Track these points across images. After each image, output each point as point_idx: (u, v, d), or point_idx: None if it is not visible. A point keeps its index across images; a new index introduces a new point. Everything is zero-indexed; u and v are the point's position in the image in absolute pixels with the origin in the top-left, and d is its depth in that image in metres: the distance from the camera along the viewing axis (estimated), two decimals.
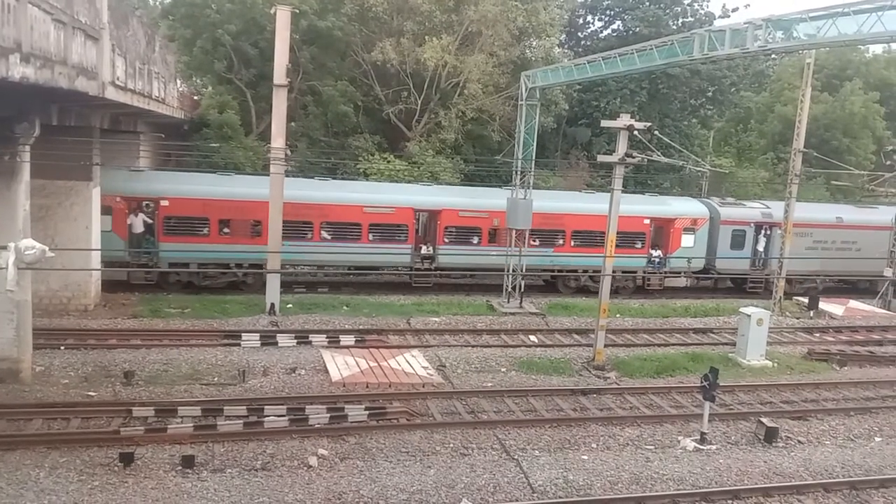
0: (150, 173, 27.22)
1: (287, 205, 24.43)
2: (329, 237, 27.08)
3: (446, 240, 28.28)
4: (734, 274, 32.47)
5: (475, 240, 28.58)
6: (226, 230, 25.95)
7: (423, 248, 28.58)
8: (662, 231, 30.80)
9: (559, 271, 29.96)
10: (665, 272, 31.02)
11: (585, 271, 29.96)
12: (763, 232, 32.00)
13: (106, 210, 24.36)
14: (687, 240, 30.77)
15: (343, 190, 28.45)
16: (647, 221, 30.08)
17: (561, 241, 29.41)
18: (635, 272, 30.84)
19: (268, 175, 24.16)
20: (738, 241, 31.41)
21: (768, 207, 32.44)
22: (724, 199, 33.43)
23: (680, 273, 31.26)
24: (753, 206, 32.54)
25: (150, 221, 25.78)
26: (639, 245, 30.40)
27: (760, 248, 31.98)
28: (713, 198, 33.77)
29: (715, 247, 30.90)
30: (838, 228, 32.46)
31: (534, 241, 28.93)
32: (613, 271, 29.03)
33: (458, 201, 28.65)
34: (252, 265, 26.22)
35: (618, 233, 28.71)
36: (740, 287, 31.96)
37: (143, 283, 25.79)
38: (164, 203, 25.51)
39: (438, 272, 28.21)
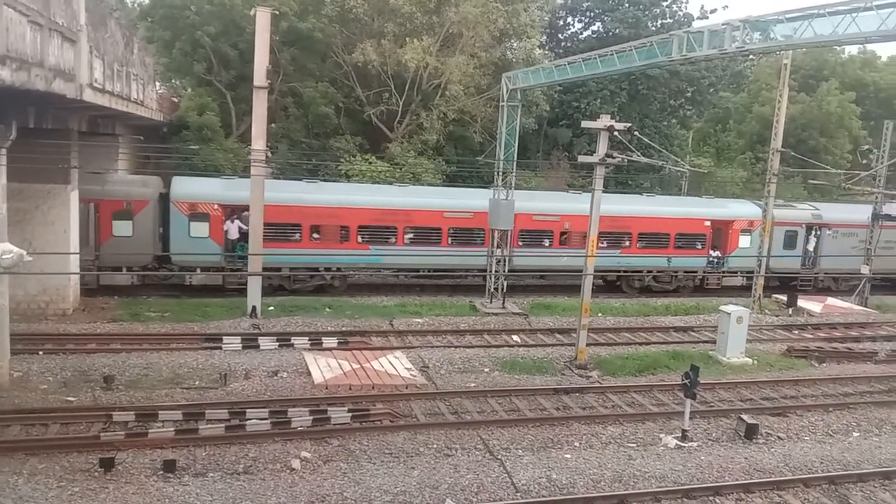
0: (246, 181, 27.63)
1: (374, 210, 27.04)
2: (411, 241, 28.05)
3: (520, 242, 29.04)
4: (786, 273, 33.41)
5: (547, 242, 29.46)
6: (315, 235, 26.89)
7: (499, 250, 29.29)
8: (721, 232, 31.96)
9: (624, 272, 30.90)
10: (723, 272, 32.01)
11: (650, 272, 31.10)
12: (813, 232, 33.19)
13: (204, 217, 25.69)
14: (744, 241, 31.94)
15: (425, 196, 29.29)
16: (707, 223, 30.97)
17: (627, 243, 30.43)
18: (696, 272, 31.85)
19: (356, 182, 24.25)
20: (790, 241, 32.70)
21: (817, 209, 33.71)
22: (775, 202, 34.03)
23: (737, 272, 32.35)
24: (804, 208, 33.74)
25: (245, 228, 26.29)
26: (699, 246, 31.55)
27: (810, 247, 33.24)
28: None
29: (769, 247, 31.74)
30: (883, 228, 32.99)
31: (602, 243, 29.36)
32: (675, 271, 31.14)
33: (531, 205, 29.07)
34: (339, 268, 27.64)
35: (680, 234, 30.72)
36: (787, 285, 32.81)
37: (235, 287, 26.55)
38: None
39: (513, 274, 29.11)
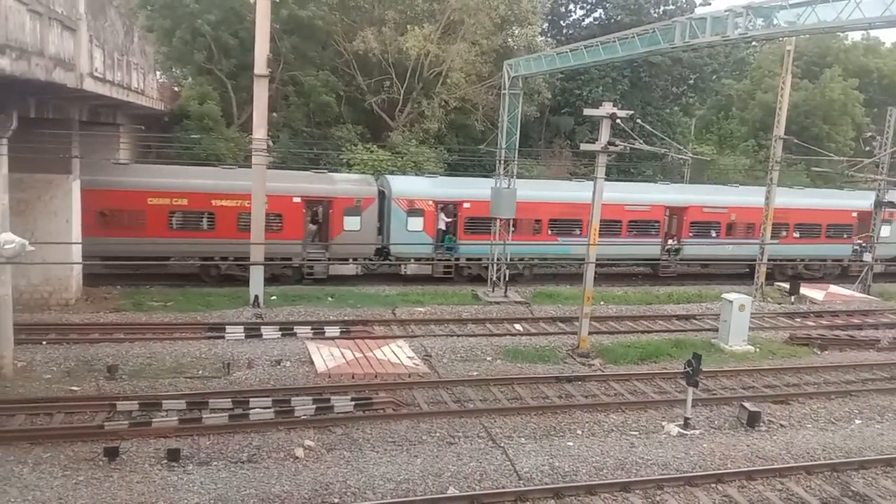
0: (451, 179, 31.31)
1: (563, 204, 29.38)
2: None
3: (690, 233, 31.46)
4: None
5: (714, 233, 31.90)
6: (512, 228, 28.58)
7: (670, 241, 31.56)
8: (865, 223, 33.73)
9: (780, 260, 32.88)
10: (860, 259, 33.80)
11: (802, 260, 33.45)
12: None
13: (419, 212, 28.45)
14: (885, 230, 33.55)
15: (606, 190, 30.02)
16: (854, 214, 33.03)
17: (784, 233, 32.67)
18: (842, 260, 34.27)
19: (546, 179, 28.39)
20: None
21: None
22: None
23: (877, 260, 33.62)
24: None
25: (448, 220, 29.28)
26: (846, 235, 33.87)
27: None
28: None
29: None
30: None
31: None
32: (823, 259, 33.12)
33: (701, 198, 31.99)
34: (533, 258, 30.36)
35: (831, 225, 32.83)
36: None
37: (442, 276, 29.23)
38: (466, 206, 28.97)
39: (683, 263, 31.53)
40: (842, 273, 34.19)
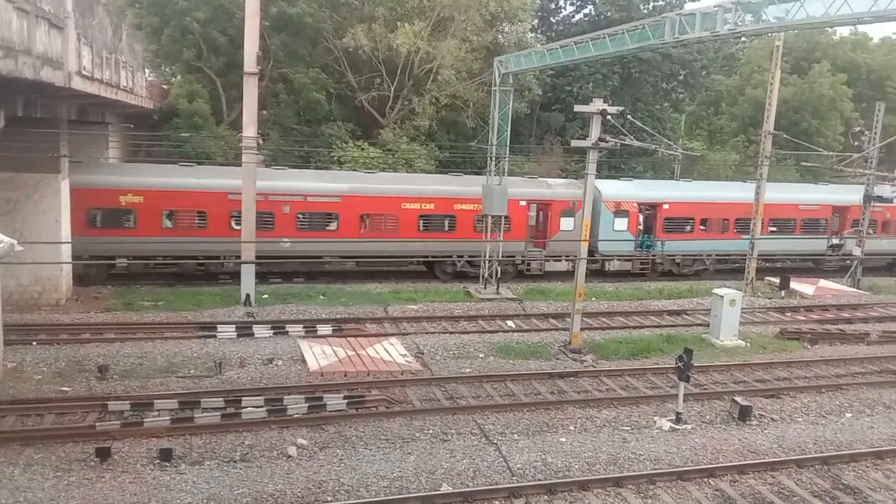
0: (651, 182, 33.80)
1: (748, 204, 30.11)
2: (775, 230, 33.08)
3: (851, 230, 34.02)
4: None
5: (871, 230, 33.43)
6: (702, 227, 31.69)
7: (834, 237, 34.38)
8: None
9: None
10: None
11: None
12: None
13: (625, 213, 30.81)
14: None
15: (783, 191, 33.79)
16: None
17: None
18: None
19: (736, 181, 30.85)
20: None
21: None
22: None
23: None
24: None
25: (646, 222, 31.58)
26: None
27: None
28: None
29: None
30: None
31: None
32: None
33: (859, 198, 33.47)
34: (718, 254, 32.58)
35: None
36: None
37: (639, 272, 31.58)
38: (665, 207, 31.44)
39: (842, 257, 33.98)
40: None
